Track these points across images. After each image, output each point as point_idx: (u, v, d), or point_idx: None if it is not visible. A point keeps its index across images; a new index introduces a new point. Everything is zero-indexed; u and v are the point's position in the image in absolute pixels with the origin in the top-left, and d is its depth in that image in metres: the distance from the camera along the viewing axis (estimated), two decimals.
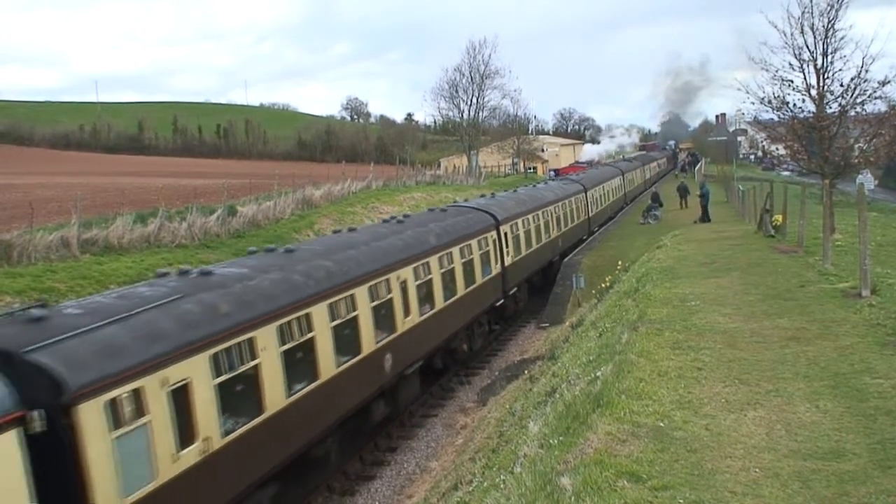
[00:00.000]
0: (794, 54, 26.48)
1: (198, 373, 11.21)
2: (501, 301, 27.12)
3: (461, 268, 22.91)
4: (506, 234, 27.59)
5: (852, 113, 26.86)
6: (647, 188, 73.69)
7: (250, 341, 12.50)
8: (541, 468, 8.33)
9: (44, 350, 9.41)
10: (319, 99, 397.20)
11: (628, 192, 63.02)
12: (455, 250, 22.58)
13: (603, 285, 25.53)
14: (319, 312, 14.67)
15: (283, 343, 13.41)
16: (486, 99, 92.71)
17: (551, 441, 9.23)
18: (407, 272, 19.02)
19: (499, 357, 26.46)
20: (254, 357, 12.56)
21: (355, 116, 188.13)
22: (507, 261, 27.47)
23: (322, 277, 15.32)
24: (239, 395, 12.23)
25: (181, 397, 10.83)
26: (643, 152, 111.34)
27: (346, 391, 15.68)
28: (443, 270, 21.42)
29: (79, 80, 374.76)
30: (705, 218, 39.94)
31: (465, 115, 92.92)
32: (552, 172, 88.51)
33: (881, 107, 27.57)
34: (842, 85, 26.12)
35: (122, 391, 9.83)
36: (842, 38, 25.99)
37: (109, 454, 9.51)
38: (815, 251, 20.54)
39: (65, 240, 24.93)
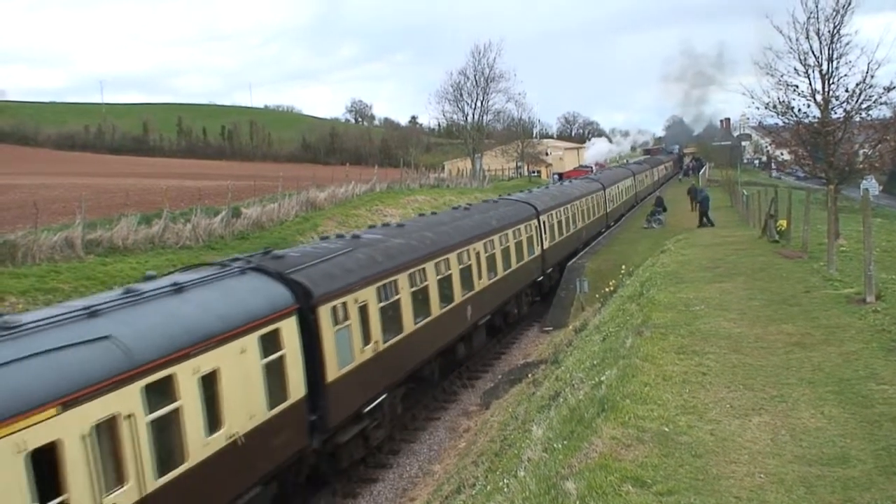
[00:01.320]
0: (800, 59, 26.51)
1: (371, 297, 16.95)
2: (541, 278, 32.25)
3: (514, 247, 28.33)
4: (544, 223, 32.91)
5: (857, 118, 26.85)
6: (656, 188, 78.11)
7: (395, 282, 18.31)
8: (545, 472, 8.32)
9: (297, 273, 14.89)
10: (324, 101, 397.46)
11: (639, 192, 67.01)
12: (509, 232, 28.18)
13: (607, 289, 25.51)
14: (430, 268, 20.57)
15: (412, 286, 19.27)
16: (490, 102, 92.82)
17: (555, 445, 9.22)
18: (479, 246, 24.78)
19: (502, 360, 26.47)
20: (397, 293, 18.35)
21: (359, 119, 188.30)
22: (546, 244, 32.79)
23: (429, 244, 21.28)
24: (391, 316, 17.88)
25: (364, 311, 16.52)
26: (648, 156, 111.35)
27: (444, 328, 21.50)
28: (501, 247, 26.90)
29: (84, 80, 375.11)
30: (705, 223, 39.93)
31: (470, 119, 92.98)
32: (556, 176, 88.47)
33: (886, 112, 27.58)
34: (847, 90, 26.15)
35: (337, 302, 15.46)
36: (847, 44, 26.03)
37: (333, 340, 15.10)
38: (819, 256, 20.51)
39: (69, 240, 24.94)
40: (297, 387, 13.89)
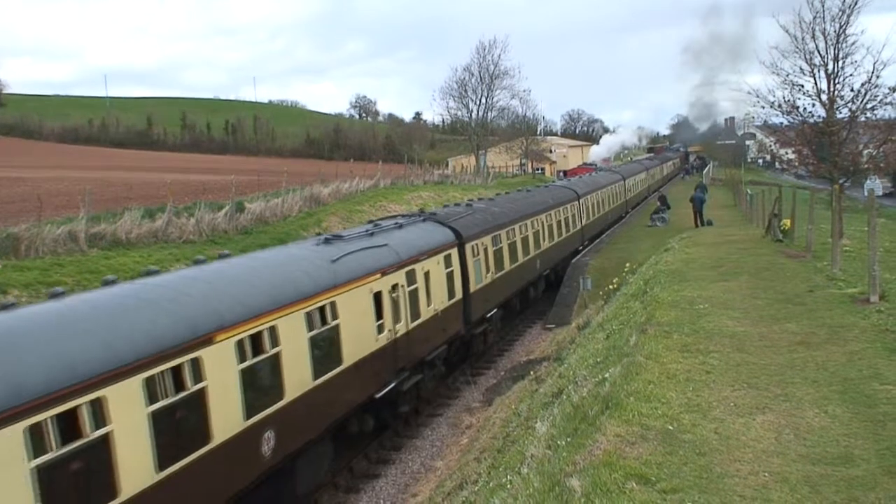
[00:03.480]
0: (805, 59, 26.44)
1: (489, 243, 25.29)
2: (580, 248, 39.29)
3: (563, 220, 36.62)
4: (583, 204, 41.11)
5: (862, 118, 26.77)
6: (666, 182, 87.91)
7: (499, 235, 26.73)
8: (549, 469, 8.33)
9: (453, 222, 23.17)
10: (330, 96, 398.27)
11: (651, 185, 76.06)
12: (560, 209, 36.44)
13: (610, 287, 25.49)
14: (516, 229, 28.91)
15: (507, 240, 27.56)
16: (495, 99, 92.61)
17: (559, 442, 9.23)
18: (542, 217, 32.94)
19: (504, 357, 26.46)
20: (501, 243, 26.77)
21: (363, 115, 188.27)
22: (584, 222, 41.04)
23: (514, 212, 29.59)
24: (497, 258, 26.11)
25: (485, 251, 24.83)
26: (652, 154, 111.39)
27: (524, 273, 29.72)
28: (556, 220, 35.26)
29: (90, 74, 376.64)
30: (699, 223, 40.00)
31: (474, 115, 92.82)
32: (561, 174, 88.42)
33: (891, 113, 27.48)
34: (852, 90, 26.05)
35: (473, 242, 23.78)
36: (853, 44, 25.93)
37: (473, 267, 23.35)
38: (823, 256, 20.48)
39: (72, 234, 24.92)
40: (458, 291, 22.37)
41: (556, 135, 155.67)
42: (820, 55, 26.24)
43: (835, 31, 25.97)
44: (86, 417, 8.93)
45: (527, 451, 9.90)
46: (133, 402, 9.65)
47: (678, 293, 16.88)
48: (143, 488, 9.65)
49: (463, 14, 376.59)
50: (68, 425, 8.76)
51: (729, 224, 38.67)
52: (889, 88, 25.54)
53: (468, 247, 23.15)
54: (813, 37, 26.20)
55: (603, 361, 13.15)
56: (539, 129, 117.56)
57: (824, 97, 26.47)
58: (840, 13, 25.81)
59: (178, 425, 10.58)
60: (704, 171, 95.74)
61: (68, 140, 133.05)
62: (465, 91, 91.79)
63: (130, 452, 9.48)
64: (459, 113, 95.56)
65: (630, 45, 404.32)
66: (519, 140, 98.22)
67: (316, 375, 14.00)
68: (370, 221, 22.48)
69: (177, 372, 10.48)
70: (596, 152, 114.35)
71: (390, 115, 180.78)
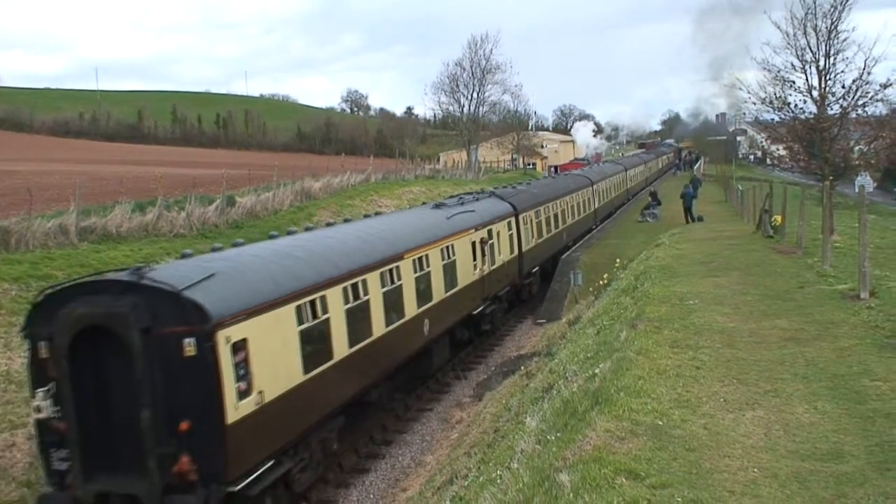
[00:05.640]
0: (797, 55, 26.47)
1: (532, 215, 31.74)
2: (594, 227, 45.94)
3: (581, 203, 43.09)
4: (595, 190, 47.59)
5: (853, 115, 26.83)
6: (662, 174, 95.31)
7: (540, 210, 32.98)
8: (538, 464, 8.33)
9: (511, 198, 30.33)
10: (322, 90, 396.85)
11: (648, 176, 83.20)
12: (579, 193, 42.80)
13: (601, 283, 25.47)
14: (551, 206, 35.23)
15: (545, 214, 33.82)
16: (486, 94, 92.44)
17: (549, 437, 9.22)
18: (566, 199, 39.12)
19: (495, 352, 26.45)
20: (540, 217, 32.80)
21: (355, 109, 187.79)
22: (597, 205, 47.59)
23: (548, 193, 36.23)
24: (539, 228, 32.53)
25: (531, 222, 31.46)
26: (643, 150, 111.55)
27: (556, 241, 35.75)
28: (576, 202, 41.67)
29: (82, 67, 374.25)
30: (689, 219, 40.10)
31: (466, 110, 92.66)
32: (553, 168, 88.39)
33: (882, 109, 27.57)
34: (843, 87, 26.10)
35: (524, 214, 30.51)
36: (844, 40, 25.97)
37: (524, 232, 30.18)
38: (814, 252, 20.52)
39: (63, 227, 24.80)
40: (515, 249, 28.66)
41: (547, 130, 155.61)
42: (811, 51, 26.29)
43: (826, 28, 26.02)
44: (362, 288, 16.31)
45: (517, 446, 9.90)
46: (376, 285, 16.91)
47: (668, 289, 16.91)
48: (382, 333, 17.04)
49: (458, 9, 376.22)
50: (355, 293, 15.92)
51: (719, 220, 38.77)
52: (880, 85, 25.62)
53: (521, 216, 29.65)
54: (804, 33, 26.25)
55: (593, 357, 13.15)
56: (530, 125, 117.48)
57: (815, 93, 26.52)
58: (832, 9, 25.86)
59: (394, 303, 17.88)
60: (696, 167, 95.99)
61: (59, 133, 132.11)
62: (457, 86, 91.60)
63: (376, 315, 16.87)
64: (451, 108, 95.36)
65: (623, 41, 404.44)
66: (510, 135, 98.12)
67: (446, 290, 21.42)
68: (452, 196, 30.77)
69: (391, 272, 17.80)
70: (591, 145, 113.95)
71: (382, 110, 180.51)
